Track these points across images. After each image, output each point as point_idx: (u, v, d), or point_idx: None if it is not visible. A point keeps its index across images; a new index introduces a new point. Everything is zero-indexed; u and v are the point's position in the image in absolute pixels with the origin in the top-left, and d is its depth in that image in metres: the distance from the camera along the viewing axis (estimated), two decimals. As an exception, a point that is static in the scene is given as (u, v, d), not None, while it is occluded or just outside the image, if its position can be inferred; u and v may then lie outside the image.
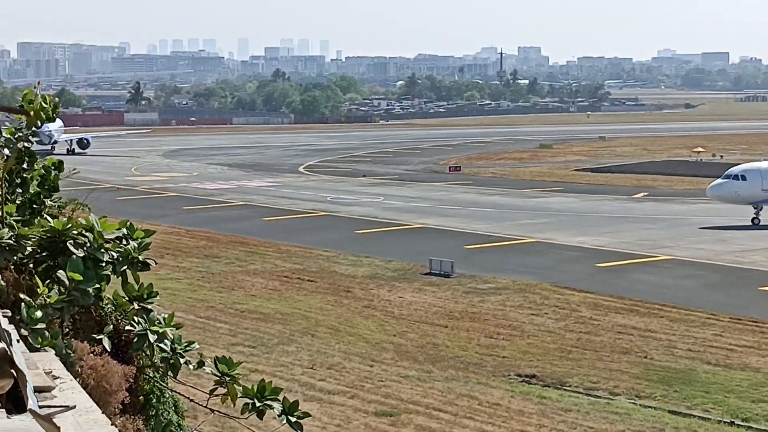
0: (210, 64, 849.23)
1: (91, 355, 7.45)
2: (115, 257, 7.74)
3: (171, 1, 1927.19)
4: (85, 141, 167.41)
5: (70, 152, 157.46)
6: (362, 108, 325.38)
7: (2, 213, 8.03)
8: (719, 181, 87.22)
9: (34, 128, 8.68)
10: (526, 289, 59.26)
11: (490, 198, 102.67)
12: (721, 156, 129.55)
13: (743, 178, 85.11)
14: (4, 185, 8.33)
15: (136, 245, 7.88)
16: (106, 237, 7.70)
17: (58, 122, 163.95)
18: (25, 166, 8.91)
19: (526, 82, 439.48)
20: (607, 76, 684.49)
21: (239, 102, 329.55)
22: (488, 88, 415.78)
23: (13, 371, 4.88)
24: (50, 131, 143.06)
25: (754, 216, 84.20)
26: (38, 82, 8.75)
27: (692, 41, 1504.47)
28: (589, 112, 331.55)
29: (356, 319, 52.88)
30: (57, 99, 8.92)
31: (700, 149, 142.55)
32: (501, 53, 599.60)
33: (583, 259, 69.66)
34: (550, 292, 58.76)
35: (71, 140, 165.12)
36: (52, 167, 9.10)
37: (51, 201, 9.02)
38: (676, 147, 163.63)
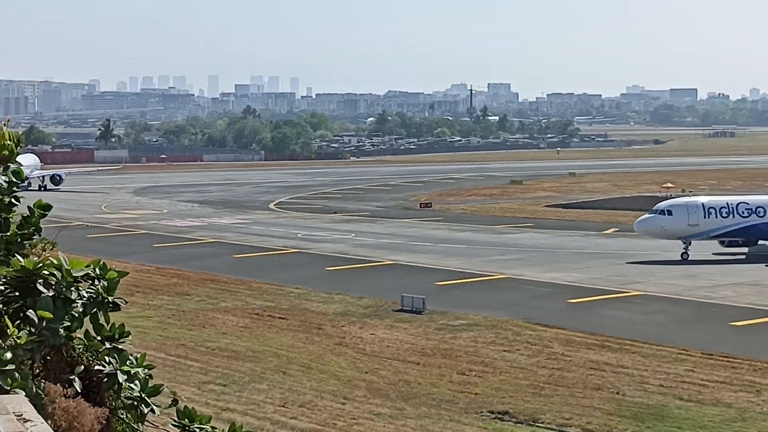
0: (180, 101, 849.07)
1: (63, 397, 7.32)
2: (86, 297, 7.63)
3: (140, 39, 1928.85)
4: (58, 177, 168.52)
5: (42, 188, 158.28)
6: (333, 144, 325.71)
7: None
8: (646, 215, 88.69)
9: (2, 167, 8.58)
10: (497, 326, 59.21)
11: (461, 234, 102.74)
12: (690, 191, 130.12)
13: (669, 213, 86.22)
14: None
15: (106, 285, 7.78)
16: (74, 275, 7.60)
17: (33, 158, 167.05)
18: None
19: (496, 118, 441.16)
20: (576, 112, 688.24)
21: (210, 139, 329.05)
22: (458, 124, 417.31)
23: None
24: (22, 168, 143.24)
25: (683, 251, 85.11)
26: (8, 119, 8.66)
27: (661, 78, 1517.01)
28: (558, 149, 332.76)
29: (328, 356, 52.67)
30: (20, 132, 8.82)
31: (669, 185, 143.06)
32: (471, 90, 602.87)
33: (555, 295, 69.74)
34: (522, 328, 58.73)
35: (43, 176, 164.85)
36: (37, 209, 8.99)
37: (28, 242, 8.91)
38: (646, 183, 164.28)
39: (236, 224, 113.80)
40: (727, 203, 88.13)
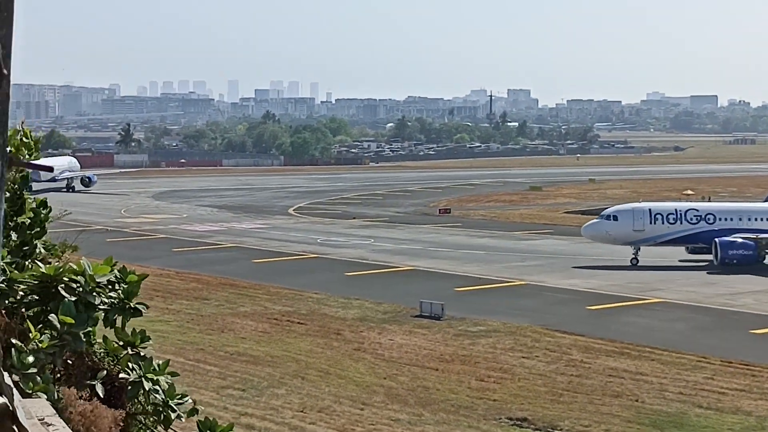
0: (200, 105, 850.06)
1: (80, 400, 7.34)
2: (108, 303, 7.66)
3: (161, 43, 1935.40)
4: (88, 179, 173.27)
5: (70, 189, 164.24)
6: (352, 150, 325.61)
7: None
8: (593, 221, 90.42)
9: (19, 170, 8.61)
10: (516, 332, 59.16)
11: (480, 240, 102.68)
12: (710, 198, 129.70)
13: (615, 218, 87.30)
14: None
15: (129, 290, 7.80)
16: (97, 280, 7.62)
17: (68, 160, 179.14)
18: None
19: (516, 124, 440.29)
20: (596, 118, 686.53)
21: (229, 144, 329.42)
22: (478, 130, 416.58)
23: (15, 427, 4.80)
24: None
25: (633, 256, 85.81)
26: (23, 120, 8.70)
27: (681, 84, 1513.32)
28: (578, 155, 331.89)
29: (346, 361, 52.68)
30: (39, 135, 8.85)
31: (689, 192, 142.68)
32: (491, 96, 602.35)
33: (574, 301, 69.66)
34: (541, 334, 58.66)
35: (71, 178, 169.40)
36: (41, 208, 9.01)
37: (42, 244, 8.93)
38: (666, 189, 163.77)
39: (255, 229, 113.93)
40: (676, 209, 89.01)
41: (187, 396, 8.20)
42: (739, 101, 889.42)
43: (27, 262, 8.47)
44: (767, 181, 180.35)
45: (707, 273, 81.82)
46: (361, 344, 56.55)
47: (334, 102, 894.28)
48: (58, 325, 7.30)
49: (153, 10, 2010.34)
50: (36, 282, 7.67)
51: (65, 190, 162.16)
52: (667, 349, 54.96)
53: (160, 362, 8.10)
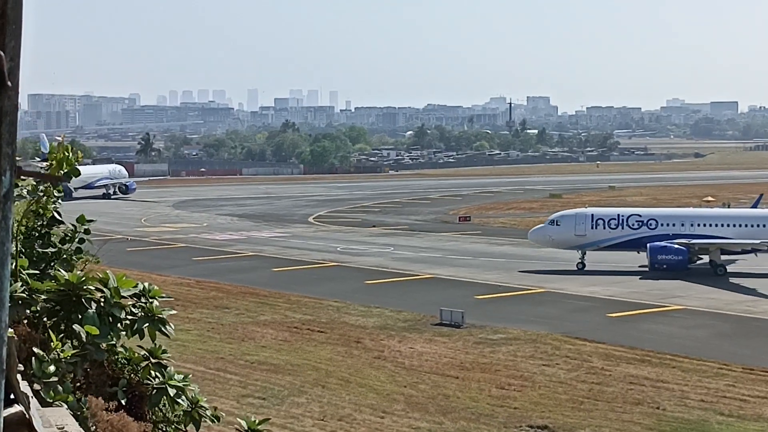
0: (219, 114, 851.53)
1: (106, 411, 7.38)
2: (135, 314, 7.71)
3: (180, 53, 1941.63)
4: (125, 187, 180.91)
5: (107, 197, 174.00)
6: (371, 158, 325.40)
7: (16, 266, 7.99)
8: (539, 226, 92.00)
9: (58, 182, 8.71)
10: (537, 340, 59.12)
11: (500, 248, 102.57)
12: (729, 205, 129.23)
13: (558, 223, 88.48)
14: (18, 239, 8.31)
15: (158, 304, 7.86)
16: (123, 294, 7.67)
17: (110, 168, 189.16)
18: (44, 222, 8.92)
19: (535, 131, 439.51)
20: (616, 125, 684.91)
21: (249, 153, 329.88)
22: (497, 137, 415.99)
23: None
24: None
25: (579, 261, 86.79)
26: (63, 137, 8.78)
27: (701, 91, 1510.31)
28: (598, 162, 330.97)
29: (367, 370, 52.71)
30: (79, 151, 8.94)
31: (710, 198, 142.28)
32: (510, 103, 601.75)
33: (594, 309, 69.58)
34: (561, 342, 58.60)
35: (108, 185, 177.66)
36: (82, 223, 9.09)
37: (77, 256, 9.01)
38: (686, 196, 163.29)
39: (275, 238, 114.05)
40: (618, 215, 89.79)
41: (215, 407, 8.28)
42: (760, 107, 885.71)
43: (50, 269, 8.54)
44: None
45: (640, 279, 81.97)
46: (381, 352, 56.57)
47: (353, 110, 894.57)
48: (83, 336, 7.35)
49: (172, 20, 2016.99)
50: (58, 291, 7.72)
51: (103, 197, 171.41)
52: (688, 356, 54.86)
53: (182, 376, 8.16)
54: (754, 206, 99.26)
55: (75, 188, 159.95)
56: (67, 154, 8.58)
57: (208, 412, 8.19)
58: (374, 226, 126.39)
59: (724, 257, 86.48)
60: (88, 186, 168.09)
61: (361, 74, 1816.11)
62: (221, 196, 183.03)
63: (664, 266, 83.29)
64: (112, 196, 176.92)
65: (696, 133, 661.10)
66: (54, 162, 8.48)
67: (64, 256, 8.86)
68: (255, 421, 8.20)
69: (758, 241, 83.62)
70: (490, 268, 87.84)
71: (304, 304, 71.30)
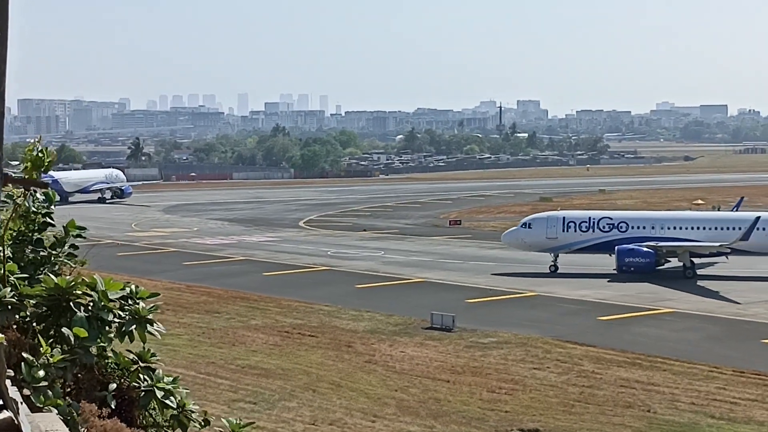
0: (210, 119, 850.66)
1: (98, 417, 7.36)
2: (123, 316, 7.69)
3: (170, 57, 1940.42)
4: (120, 191, 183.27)
5: (102, 201, 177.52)
6: (362, 162, 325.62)
7: (4, 272, 7.97)
8: (512, 228, 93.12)
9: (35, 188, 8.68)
10: (527, 343, 59.15)
11: (491, 252, 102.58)
12: (719, 208, 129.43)
13: (530, 226, 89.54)
14: (6, 244, 8.28)
15: (145, 306, 7.84)
16: (111, 297, 7.65)
17: (106, 173, 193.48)
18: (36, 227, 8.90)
19: (526, 135, 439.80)
20: (606, 129, 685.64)
21: (239, 157, 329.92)
22: (488, 141, 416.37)
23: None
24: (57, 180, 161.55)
25: (552, 263, 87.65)
26: (39, 137, 8.75)
27: (691, 94, 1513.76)
28: (588, 165, 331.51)
29: (358, 374, 52.68)
30: (54, 152, 8.91)
31: (700, 201, 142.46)
32: (500, 107, 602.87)
33: (585, 312, 69.65)
34: (552, 345, 58.63)
35: (103, 189, 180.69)
36: (73, 229, 9.06)
37: (67, 260, 8.98)
38: (676, 199, 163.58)
39: (266, 242, 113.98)
40: (589, 218, 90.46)
41: (196, 406, 8.24)
42: (749, 110, 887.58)
43: (41, 273, 8.52)
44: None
45: (608, 281, 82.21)
46: (372, 356, 56.55)
47: (343, 114, 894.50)
48: (72, 339, 7.33)
49: (162, 24, 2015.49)
50: (48, 296, 7.70)
51: (98, 201, 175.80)
52: (679, 359, 54.92)
53: (171, 378, 8.14)
54: (735, 209, 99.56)
55: (70, 192, 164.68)
56: (41, 156, 8.54)
57: (195, 416, 8.16)
58: (365, 230, 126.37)
59: (700, 260, 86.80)
60: (84, 190, 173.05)
61: (351, 78, 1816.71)
62: (212, 201, 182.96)
63: (632, 269, 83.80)
64: (108, 201, 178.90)
65: (686, 137, 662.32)
66: (29, 164, 8.44)
67: (54, 260, 8.84)
68: (238, 423, 8.18)
69: (717, 244, 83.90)
70: (480, 272, 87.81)
71: (294, 309, 71.26)
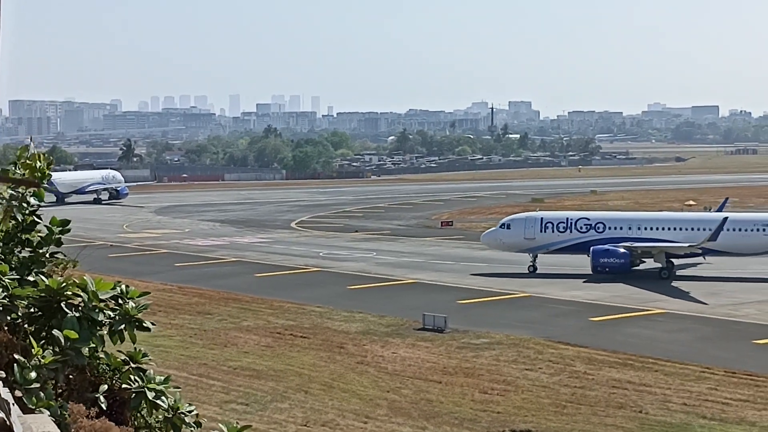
0: (201, 120, 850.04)
1: (87, 417, 7.35)
2: (113, 316, 7.68)
3: (162, 59, 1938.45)
4: (116, 191, 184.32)
5: (97, 201, 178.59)
6: (354, 163, 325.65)
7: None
8: (491, 229, 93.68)
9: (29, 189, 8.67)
10: (519, 344, 59.16)
11: (483, 252, 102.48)
12: (710, 209, 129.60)
13: (508, 227, 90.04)
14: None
15: (134, 305, 7.82)
16: (101, 297, 7.64)
17: (103, 174, 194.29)
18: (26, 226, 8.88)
19: (517, 136, 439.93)
20: (597, 130, 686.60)
21: (231, 158, 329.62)
22: (479, 142, 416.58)
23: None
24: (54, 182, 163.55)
25: (531, 264, 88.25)
26: (30, 139, 8.75)
27: (682, 95, 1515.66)
28: (580, 166, 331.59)
29: (350, 375, 52.67)
30: (51, 157, 8.91)
31: (691, 202, 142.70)
32: (492, 108, 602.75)
33: (577, 313, 69.67)
34: (544, 346, 58.66)
35: (99, 190, 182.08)
36: (56, 226, 9.04)
37: (50, 260, 8.96)
38: (668, 200, 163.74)
39: (258, 243, 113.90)
40: (567, 218, 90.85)
41: (192, 407, 8.23)
42: (741, 111, 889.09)
43: (32, 276, 8.50)
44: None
45: (583, 282, 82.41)
46: (364, 358, 56.54)
47: (335, 116, 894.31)
48: (62, 341, 7.32)
49: (154, 25, 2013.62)
50: (39, 297, 7.69)
51: (93, 202, 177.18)
52: (671, 360, 54.97)
53: (162, 377, 8.12)
54: (719, 210, 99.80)
55: (66, 193, 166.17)
56: (34, 161, 8.54)
57: (188, 419, 8.14)
58: (357, 232, 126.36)
59: (679, 261, 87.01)
60: (79, 191, 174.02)
61: (343, 79, 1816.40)
62: (203, 202, 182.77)
63: (607, 269, 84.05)
64: (104, 201, 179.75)
65: (677, 137, 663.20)
66: (26, 170, 8.44)
67: (41, 259, 8.82)
68: (236, 426, 8.17)
69: (686, 245, 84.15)
70: (472, 273, 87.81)
71: (286, 310, 71.22)
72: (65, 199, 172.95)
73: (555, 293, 77.26)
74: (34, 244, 8.84)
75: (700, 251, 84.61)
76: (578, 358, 55.80)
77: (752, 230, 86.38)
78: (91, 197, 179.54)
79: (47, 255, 8.90)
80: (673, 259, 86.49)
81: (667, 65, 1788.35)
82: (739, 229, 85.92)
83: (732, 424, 43.71)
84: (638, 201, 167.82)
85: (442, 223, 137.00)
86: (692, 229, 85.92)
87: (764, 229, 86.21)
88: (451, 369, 53.83)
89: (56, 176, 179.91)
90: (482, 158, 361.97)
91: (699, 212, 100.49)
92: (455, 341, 60.38)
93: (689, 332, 63.32)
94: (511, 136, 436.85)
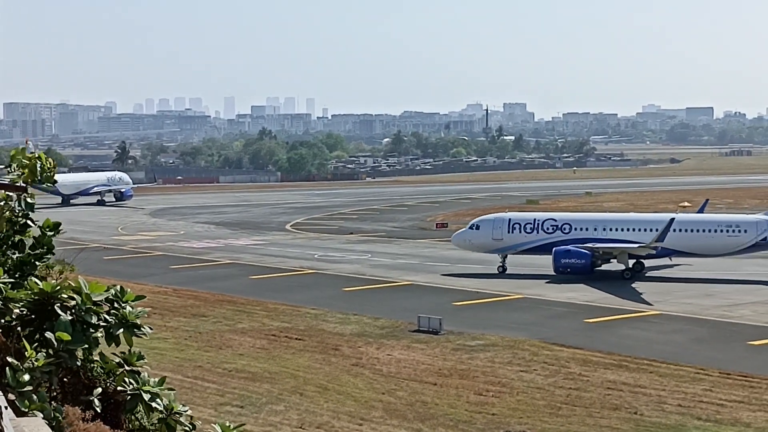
0: (196, 122, 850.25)
1: (82, 420, 7.34)
2: (109, 320, 7.66)
3: (157, 61, 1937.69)
4: (120, 193, 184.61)
5: (101, 203, 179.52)
6: (349, 165, 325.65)
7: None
8: (462, 230, 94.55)
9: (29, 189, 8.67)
10: (514, 346, 59.16)
11: (478, 254, 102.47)
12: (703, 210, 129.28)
13: (477, 227, 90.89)
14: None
15: (132, 309, 7.81)
16: (94, 299, 7.62)
17: (107, 175, 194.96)
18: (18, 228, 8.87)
19: (512, 138, 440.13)
20: (592, 131, 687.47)
21: (226, 160, 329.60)
22: (474, 144, 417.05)
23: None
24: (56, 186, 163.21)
25: (500, 264, 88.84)
26: (27, 141, 8.73)
27: (677, 96, 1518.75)
28: (575, 168, 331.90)
29: (345, 377, 52.63)
30: (53, 160, 8.90)
31: (686, 204, 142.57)
32: (487, 110, 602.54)
33: (572, 314, 69.68)
34: (539, 348, 58.66)
35: (102, 192, 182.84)
36: (47, 229, 9.03)
37: (40, 262, 8.95)
38: (663, 202, 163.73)
39: (253, 245, 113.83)
40: (534, 219, 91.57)
41: (186, 407, 8.21)
42: (735, 113, 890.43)
43: (26, 280, 8.48)
44: (764, 193, 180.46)
45: (546, 282, 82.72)
46: (359, 360, 56.52)
47: (330, 118, 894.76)
48: (55, 343, 7.30)
49: (149, 27, 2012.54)
50: (33, 300, 7.68)
51: (96, 204, 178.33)
52: (666, 361, 54.99)
53: (156, 379, 8.11)
54: (700, 211, 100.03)
55: (70, 194, 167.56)
56: (37, 162, 8.53)
57: (183, 419, 8.13)
58: (352, 233, 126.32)
59: (651, 262, 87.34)
60: (83, 192, 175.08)
61: (337, 81, 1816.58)
62: (198, 204, 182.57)
63: (568, 270, 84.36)
64: (107, 203, 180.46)
65: (672, 139, 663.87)
66: (26, 170, 8.43)
67: (35, 262, 8.81)
68: (230, 426, 8.16)
69: (636, 246, 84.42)
70: (467, 275, 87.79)
71: (281, 312, 71.18)
72: (70, 201, 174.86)
73: (550, 295, 77.27)
74: (27, 246, 8.83)
75: (654, 251, 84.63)
76: (573, 360, 55.82)
77: (716, 231, 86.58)
78: (95, 199, 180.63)
79: (40, 257, 8.89)
80: (644, 261, 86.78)
81: (661, 67, 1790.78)
82: (703, 230, 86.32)
83: (727, 425, 43.72)
84: (633, 202, 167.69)
85: (437, 224, 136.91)
86: (656, 230, 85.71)
87: (728, 230, 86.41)
88: (446, 371, 53.82)
89: (60, 178, 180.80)
90: (477, 160, 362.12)
91: (668, 213, 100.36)
92: (450, 343, 60.37)
93: (684, 333, 63.36)
94: (505, 137, 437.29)
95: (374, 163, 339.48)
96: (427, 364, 55.43)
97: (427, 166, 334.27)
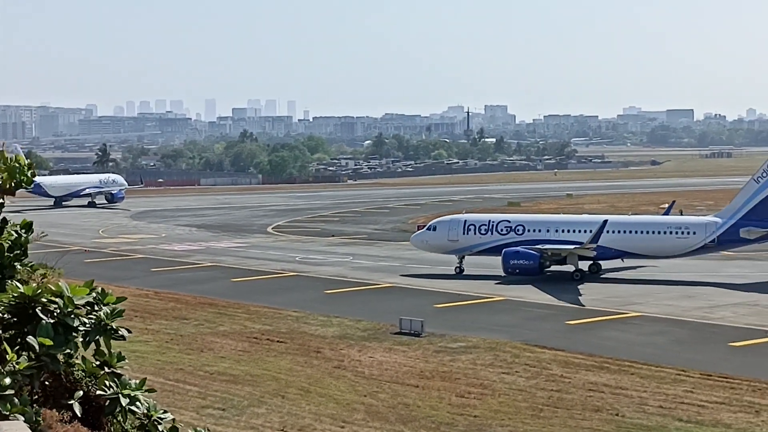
0: (177, 125, 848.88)
1: (60, 423, 7.32)
2: (87, 325, 7.63)
3: (138, 63, 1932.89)
4: (111, 195, 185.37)
5: (92, 205, 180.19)
6: (330, 168, 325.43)
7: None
8: (420, 231, 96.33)
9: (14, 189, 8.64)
10: (496, 348, 59.20)
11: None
12: (681, 212, 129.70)
13: (434, 229, 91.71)
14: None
15: (109, 311, 7.78)
16: (76, 302, 7.60)
17: (105, 176, 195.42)
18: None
19: (493, 140, 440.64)
20: (573, 133, 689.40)
21: (207, 163, 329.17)
22: (456, 146, 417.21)
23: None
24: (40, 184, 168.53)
25: (458, 265, 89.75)
26: (2, 143, 8.70)
27: (657, 99, 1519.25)
28: (556, 170, 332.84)
29: (326, 379, 52.60)
30: (31, 161, 8.86)
31: (666, 206, 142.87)
32: (468, 112, 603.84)
33: (553, 316, 69.77)
34: (521, 350, 58.72)
35: (93, 194, 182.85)
36: (23, 230, 8.99)
37: (21, 265, 8.90)
38: (643, 203, 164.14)
39: (234, 248, 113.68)
40: (489, 221, 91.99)
41: (167, 412, 8.19)
42: (715, 115, 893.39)
43: (6, 283, 8.45)
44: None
45: (495, 283, 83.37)
46: (341, 362, 56.48)
47: (311, 120, 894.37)
48: (37, 347, 7.28)
49: (129, 30, 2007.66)
50: (14, 303, 7.65)
51: (87, 206, 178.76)
52: (647, 362, 55.11)
53: (136, 381, 8.08)
54: (666, 214, 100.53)
55: (62, 196, 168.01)
56: (16, 165, 8.50)
57: (164, 423, 8.10)
58: (333, 236, 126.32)
59: (605, 264, 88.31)
60: (74, 194, 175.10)
61: (319, 84, 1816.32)
62: (179, 207, 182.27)
63: (517, 271, 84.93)
64: (98, 205, 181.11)
65: (652, 141, 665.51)
66: (5, 175, 8.39)
67: (11, 263, 8.77)
68: (206, 431, 8.13)
69: (572, 247, 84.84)
70: (449, 277, 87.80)
71: (263, 315, 71.10)
72: (63, 203, 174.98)
73: (532, 297, 77.36)
74: (5, 248, 8.79)
75: (593, 252, 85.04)
76: (555, 362, 55.89)
77: (665, 233, 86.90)
78: (86, 201, 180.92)
79: (19, 259, 8.85)
80: (600, 262, 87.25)
81: (642, 69, 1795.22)
82: (653, 232, 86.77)
83: (708, 426, 43.84)
84: (614, 204, 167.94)
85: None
86: (612, 231, 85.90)
87: (677, 233, 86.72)
88: (428, 373, 53.83)
89: (50, 180, 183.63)
90: (458, 162, 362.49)
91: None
92: (432, 345, 60.39)
93: (665, 335, 63.52)
94: (487, 140, 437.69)
95: (356, 165, 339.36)
96: (409, 366, 55.43)
97: (409, 169, 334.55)
